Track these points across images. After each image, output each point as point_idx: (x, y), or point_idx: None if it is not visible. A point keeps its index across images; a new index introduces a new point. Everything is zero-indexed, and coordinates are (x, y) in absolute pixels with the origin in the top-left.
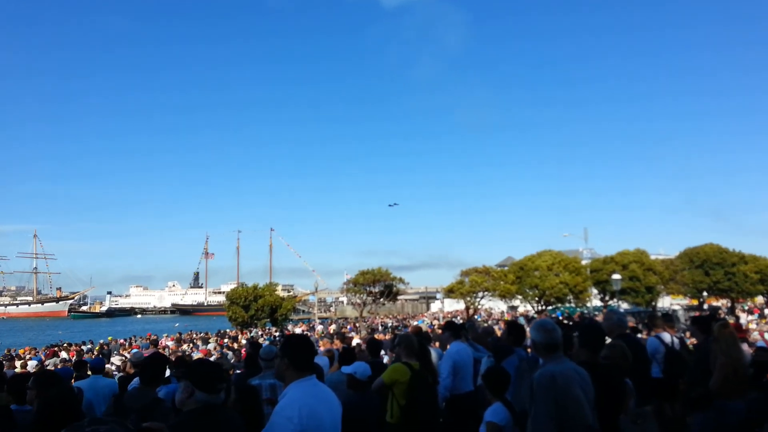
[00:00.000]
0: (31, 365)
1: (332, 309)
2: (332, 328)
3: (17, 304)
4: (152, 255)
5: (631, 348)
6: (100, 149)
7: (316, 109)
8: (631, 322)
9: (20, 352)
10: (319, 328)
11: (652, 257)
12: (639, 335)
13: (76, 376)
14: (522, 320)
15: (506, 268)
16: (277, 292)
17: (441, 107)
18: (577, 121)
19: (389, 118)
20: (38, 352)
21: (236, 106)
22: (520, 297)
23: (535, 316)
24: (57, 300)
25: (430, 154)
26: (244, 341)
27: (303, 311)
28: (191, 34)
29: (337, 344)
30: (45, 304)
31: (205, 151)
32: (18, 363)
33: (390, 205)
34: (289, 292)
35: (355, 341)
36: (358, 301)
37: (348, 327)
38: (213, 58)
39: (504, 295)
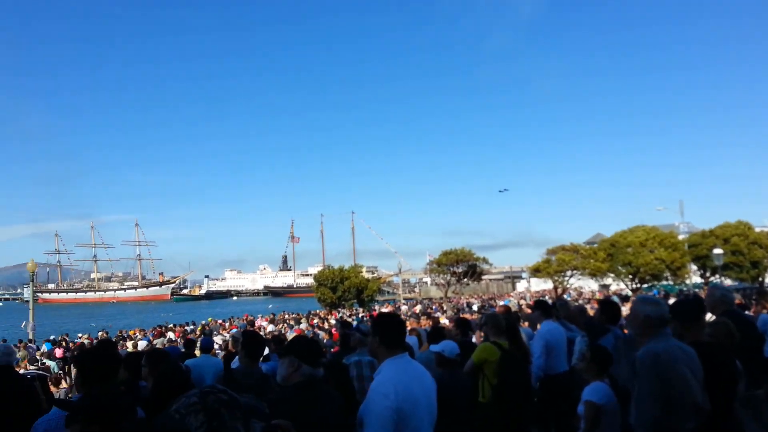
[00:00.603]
0: (141, 345)
1: (416, 290)
2: (417, 308)
3: (125, 289)
4: (244, 240)
5: (738, 326)
6: (189, 139)
7: (391, 86)
8: (738, 299)
9: (131, 333)
10: (404, 308)
11: (758, 230)
12: (747, 312)
13: (185, 354)
14: (615, 299)
15: (596, 246)
16: (362, 274)
17: (517, 78)
18: (669, 88)
19: (465, 92)
20: (147, 332)
21: (316, 90)
22: (612, 275)
23: (629, 294)
24: (160, 284)
25: (509, 127)
26: (333, 321)
27: (388, 292)
28: (274, 18)
29: (424, 323)
30: (149, 289)
31: (288, 138)
32: (129, 343)
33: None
34: (373, 273)
35: (443, 321)
36: (442, 281)
37: (433, 307)
38: (287, 42)
39: (594, 274)
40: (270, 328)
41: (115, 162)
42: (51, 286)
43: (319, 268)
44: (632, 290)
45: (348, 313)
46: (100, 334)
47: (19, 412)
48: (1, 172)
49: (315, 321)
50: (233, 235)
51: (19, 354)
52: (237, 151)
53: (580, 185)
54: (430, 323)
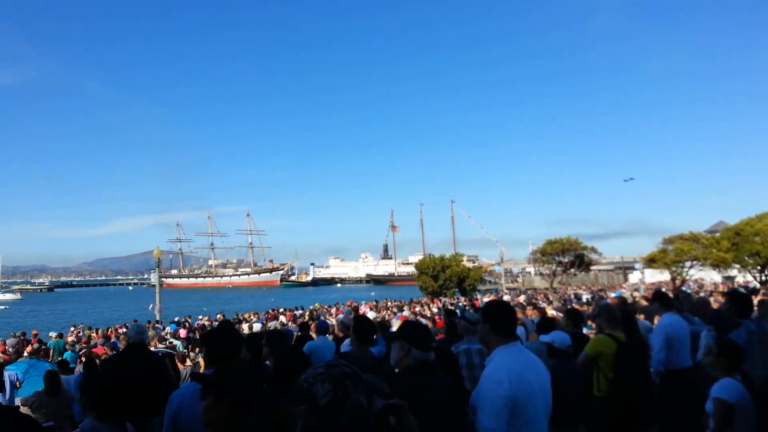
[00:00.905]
0: (256, 327)
1: (519, 280)
2: (521, 298)
3: (239, 275)
4: (346, 229)
5: None
6: (294, 133)
7: (493, 71)
8: None
9: (245, 316)
10: (507, 298)
11: None
12: None
13: (302, 337)
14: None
15: (718, 234)
16: (463, 263)
17: (624, 59)
18: None
19: (570, 74)
20: (260, 316)
21: (415, 78)
22: (737, 266)
23: (758, 287)
24: (270, 271)
25: (619, 112)
26: (435, 309)
27: (489, 282)
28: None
29: (530, 314)
30: (261, 275)
31: (386, 129)
32: (245, 325)
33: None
34: (473, 263)
35: (549, 312)
36: (547, 271)
37: (537, 298)
38: (387, 35)
39: (717, 265)
40: (372, 314)
41: (229, 157)
42: (174, 271)
43: (420, 257)
44: (761, 282)
45: (450, 302)
46: (218, 316)
47: (153, 386)
48: (130, 169)
49: (417, 309)
50: (336, 224)
51: (149, 333)
52: (339, 144)
53: (701, 173)
54: (536, 314)
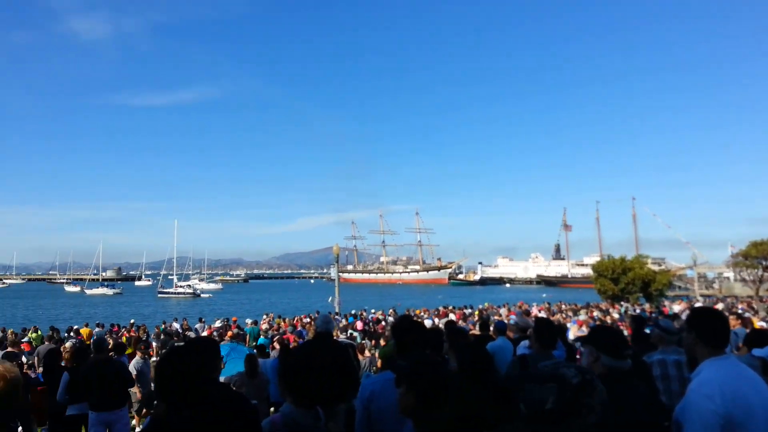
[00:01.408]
0: (427, 324)
1: (716, 285)
2: (719, 306)
3: (408, 272)
4: (515, 227)
5: None
6: (459, 131)
7: (672, 53)
8: None
9: (416, 312)
10: (699, 305)
11: None
12: None
13: (482, 337)
14: None
15: None
16: (647, 266)
17: None
18: None
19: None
20: (430, 313)
21: (579, 67)
22: None
23: None
24: (438, 269)
25: None
26: (616, 315)
27: (679, 287)
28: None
29: (733, 324)
30: (429, 272)
31: (556, 118)
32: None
33: None
34: (659, 265)
35: (757, 324)
36: (750, 277)
37: (738, 307)
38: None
39: None
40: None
41: (399, 158)
42: (349, 267)
43: (596, 258)
44: None
45: (633, 307)
46: (390, 311)
47: (339, 374)
48: (312, 170)
49: (595, 313)
50: (505, 223)
51: None
52: (507, 137)
53: None
54: (740, 324)
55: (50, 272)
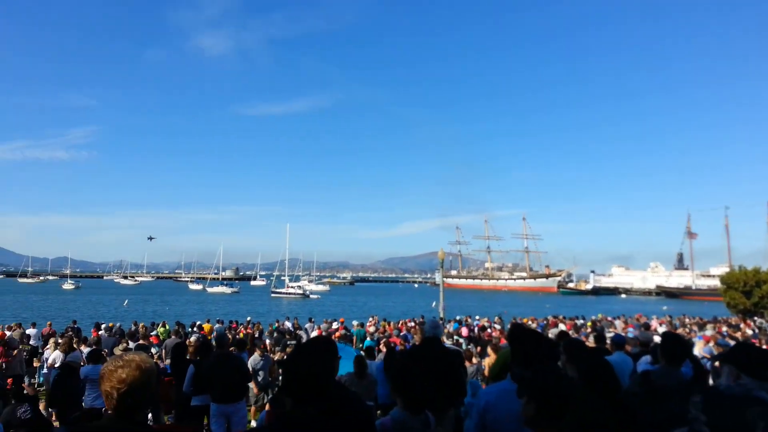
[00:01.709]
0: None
1: None
2: None
3: (514, 279)
4: (632, 235)
5: None
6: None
7: None
8: None
9: (523, 321)
10: None
11: None
12: None
13: (598, 349)
14: None
15: None
16: None
17: None
18: None
19: None
20: (538, 322)
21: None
22: None
23: None
24: (546, 276)
25: None
26: (749, 332)
27: None
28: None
29: None
30: (536, 280)
31: (678, 117)
32: None
33: None
34: None
35: None
36: None
37: None
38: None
39: None
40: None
41: (506, 161)
42: (453, 272)
43: (724, 269)
44: None
45: (766, 323)
46: (496, 318)
47: (448, 380)
48: (417, 175)
49: (724, 329)
50: (621, 230)
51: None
52: (624, 138)
53: None
54: None
55: (176, 271)
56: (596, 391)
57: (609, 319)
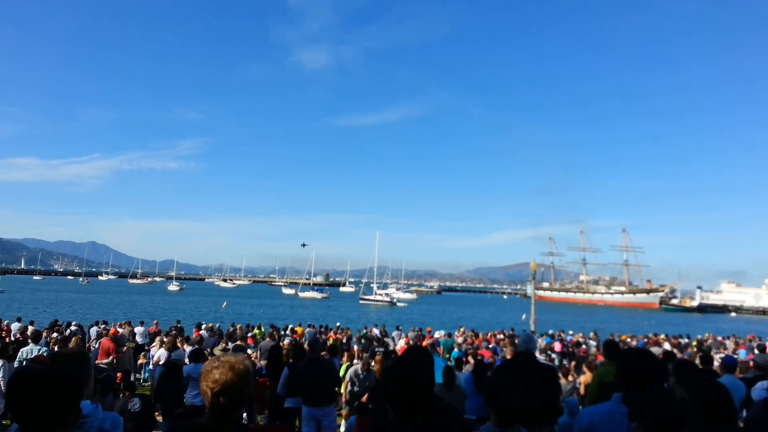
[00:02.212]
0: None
1: None
2: None
3: (611, 293)
4: (746, 249)
5: None
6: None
7: None
8: None
9: (622, 338)
10: None
11: None
12: None
13: (705, 371)
14: None
15: None
16: None
17: None
18: None
19: None
20: (638, 339)
21: None
22: None
23: None
24: (647, 291)
25: None
26: None
27: None
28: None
29: None
30: (636, 295)
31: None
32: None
33: None
34: None
35: None
36: None
37: None
38: None
39: None
40: None
41: (603, 167)
42: (545, 284)
43: None
44: None
45: None
46: (591, 334)
47: (541, 395)
48: (510, 183)
49: None
50: (732, 243)
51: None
52: (736, 147)
53: None
54: None
55: (271, 275)
56: (710, 416)
57: (719, 339)
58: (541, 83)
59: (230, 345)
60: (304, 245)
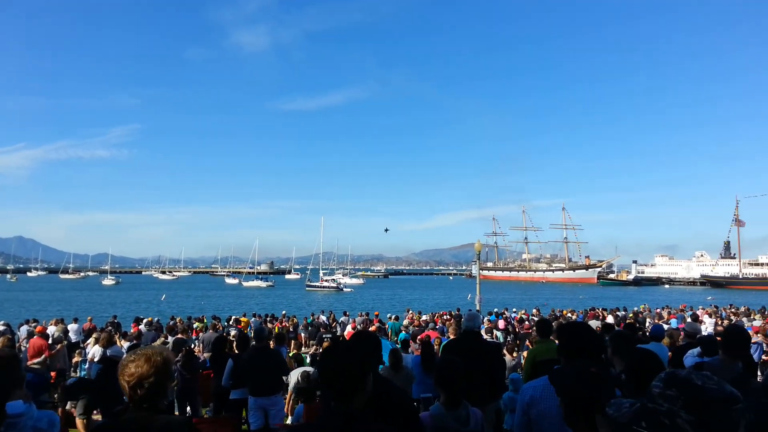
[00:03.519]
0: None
1: None
2: None
3: (552, 270)
4: (677, 223)
5: None
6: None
7: None
8: None
9: (563, 313)
10: None
11: None
12: None
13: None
14: None
15: None
16: None
17: None
18: None
19: None
20: (577, 314)
21: None
22: None
23: None
24: (586, 267)
25: None
26: None
27: None
28: None
29: None
30: (576, 271)
31: (724, 102)
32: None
33: None
34: None
35: None
36: None
37: None
38: None
39: None
40: (710, 321)
41: (546, 150)
42: (489, 264)
43: None
44: None
45: None
46: (534, 311)
47: (487, 372)
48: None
49: None
50: (664, 218)
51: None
52: (667, 127)
53: None
54: None
55: (213, 266)
56: (643, 382)
57: (658, 310)
58: (488, 70)
59: (170, 339)
60: (386, 230)
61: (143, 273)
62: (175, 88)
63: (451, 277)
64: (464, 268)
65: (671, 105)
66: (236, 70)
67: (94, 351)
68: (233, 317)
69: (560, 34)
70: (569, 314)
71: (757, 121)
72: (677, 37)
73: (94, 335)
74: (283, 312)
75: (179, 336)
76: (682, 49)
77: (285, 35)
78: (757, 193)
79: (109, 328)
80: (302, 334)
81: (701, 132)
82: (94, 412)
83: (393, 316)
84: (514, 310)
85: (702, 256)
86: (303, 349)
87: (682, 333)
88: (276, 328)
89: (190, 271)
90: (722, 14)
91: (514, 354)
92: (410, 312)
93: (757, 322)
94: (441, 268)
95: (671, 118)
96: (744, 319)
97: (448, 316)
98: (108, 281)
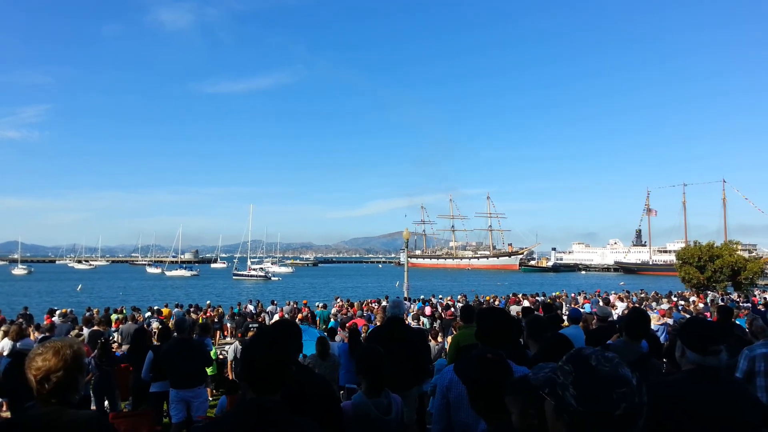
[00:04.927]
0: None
1: None
2: None
3: (478, 257)
4: (593, 212)
5: None
6: (533, 115)
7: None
8: None
9: (486, 298)
10: None
11: None
12: None
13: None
14: None
15: None
16: (738, 253)
17: None
18: None
19: None
20: (499, 300)
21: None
22: None
23: None
24: (509, 255)
25: None
26: (701, 305)
27: None
28: None
29: None
30: (499, 258)
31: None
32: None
33: None
34: (750, 252)
35: None
36: None
37: None
38: None
39: None
40: (622, 306)
41: (476, 142)
42: (417, 252)
43: (680, 245)
44: None
45: (719, 297)
46: (459, 297)
47: (410, 358)
48: (386, 154)
49: (680, 303)
50: (581, 207)
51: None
52: (585, 118)
53: None
54: None
55: (133, 254)
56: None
57: (573, 295)
58: (418, 59)
59: (86, 331)
60: None
61: (57, 262)
62: (90, 66)
63: (380, 265)
64: (393, 256)
65: (592, 95)
66: (157, 50)
67: (3, 344)
68: (154, 308)
69: (483, 23)
70: (491, 299)
71: (668, 110)
72: (591, 27)
73: (3, 328)
74: (208, 302)
75: (96, 328)
76: (597, 39)
77: (210, 14)
78: (667, 184)
79: (20, 320)
80: (228, 324)
81: (618, 121)
82: (3, 408)
83: (321, 305)
84: (441, 296)
85: (615, 243)
86: (228, 339)
87: (595, 317)
88: (200, 318)
89: (108, 260)
90: (630, 4)
91: (439, 339)
92: (339, 300)
93: (665, 306)
94: (371, 256)
95: (588, 109)
96: (653, 303)
97: (376, 304)
98: (19, 271)
